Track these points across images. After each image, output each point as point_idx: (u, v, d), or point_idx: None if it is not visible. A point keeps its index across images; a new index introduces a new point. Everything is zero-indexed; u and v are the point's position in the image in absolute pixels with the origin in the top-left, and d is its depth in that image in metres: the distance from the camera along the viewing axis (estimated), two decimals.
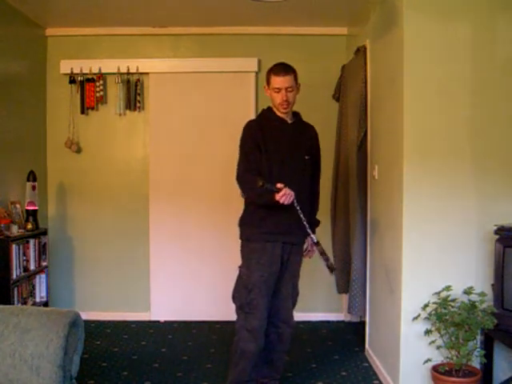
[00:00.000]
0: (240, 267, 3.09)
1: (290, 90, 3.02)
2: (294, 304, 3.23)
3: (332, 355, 4.05)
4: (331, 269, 2.91)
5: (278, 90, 3.01)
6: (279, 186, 2.77)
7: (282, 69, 3.04)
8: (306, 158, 3.15)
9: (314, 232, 3.08)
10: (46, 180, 4.91)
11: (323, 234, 4.69)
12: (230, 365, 3.14)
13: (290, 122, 3.14)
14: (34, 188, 4.22)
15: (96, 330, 4.60)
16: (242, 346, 3.02)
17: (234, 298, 3.09)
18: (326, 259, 2.90)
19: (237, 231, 3.19)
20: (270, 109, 3.17)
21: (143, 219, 4.91)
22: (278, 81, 3.01)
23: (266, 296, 3.01)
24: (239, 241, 3.16)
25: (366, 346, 4.05)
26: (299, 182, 3.06)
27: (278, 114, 3.11)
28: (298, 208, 2.86)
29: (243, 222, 3.15)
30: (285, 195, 2.76)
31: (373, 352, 3.87)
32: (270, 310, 3.07)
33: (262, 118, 3.18)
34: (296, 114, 3.21)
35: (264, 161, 3.01)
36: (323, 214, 4.66)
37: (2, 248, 3.70)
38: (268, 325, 3.07)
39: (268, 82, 3.09)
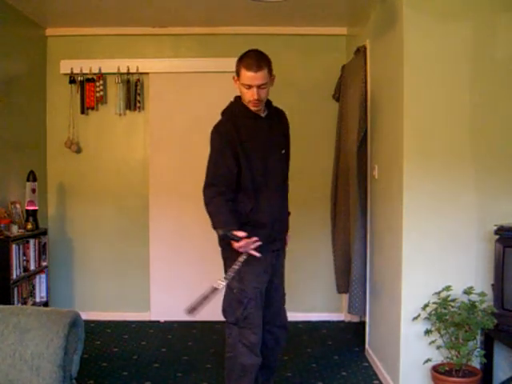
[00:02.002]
0: (226, 278, 2.71)
1: (262, 87, 2.65)
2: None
3: (332, 355, 4.05)
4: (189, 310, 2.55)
5: (249, 86, 2.65)
6: (240, 234, 2.58)
7: (255, 63, 2.62)
8: (283, 152, 2.89)
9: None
10: (46, 180, 4.90)
11: (323, 234, 4.72)
12: (230, 382, 2.88)
13: (263, 115, 2.81)
14: (33, 188, 4.22)
15: (96, 329, 4.59)
16: (242, 361, 2.78)
17: (226, 312, 2.85)
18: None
19: None
20: (239, 101, 2.80)
21: (143, 219, 4.91)
22: (249, 77, 2.63)
23: (260, 308, 2.83)
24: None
25: (366, 346, 4.05)
26: (281, 182, 2.88)
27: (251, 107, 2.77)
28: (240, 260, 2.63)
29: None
30: (243, 247, 2.58)
31: (373, 352, 3.87)
32: (266, 318, 2.91)
33: (234, 116, 2.79)
34: (267, 103, 2.84)
35: (245, 167, 2.70)
36: (323, 213, 4.70)
37: (1, 248, 3.70)
38: (264, 333, 2.90)
39: (238, 74, 2.70)
